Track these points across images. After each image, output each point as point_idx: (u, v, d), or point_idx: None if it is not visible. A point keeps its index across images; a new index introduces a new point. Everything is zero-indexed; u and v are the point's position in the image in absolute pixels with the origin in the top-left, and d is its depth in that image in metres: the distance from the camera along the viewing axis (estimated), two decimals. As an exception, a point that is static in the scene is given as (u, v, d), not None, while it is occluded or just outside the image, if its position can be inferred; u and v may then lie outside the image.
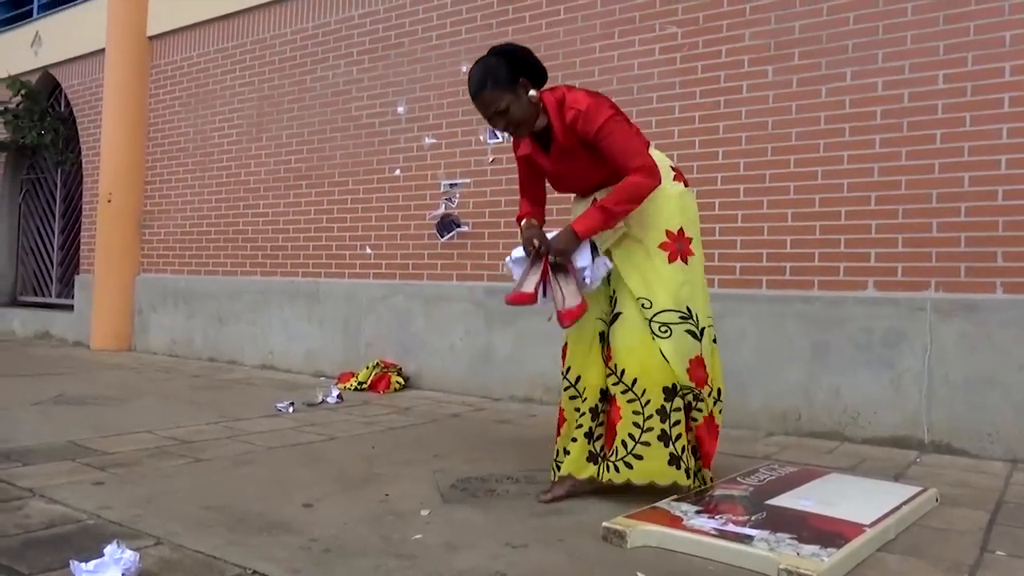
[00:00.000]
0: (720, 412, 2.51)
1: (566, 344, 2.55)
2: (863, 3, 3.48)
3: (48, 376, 5.00)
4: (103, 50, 6.92)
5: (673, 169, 2.51)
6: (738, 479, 2.48)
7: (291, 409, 3.93)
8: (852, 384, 3.42)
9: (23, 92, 7.69)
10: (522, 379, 4.37)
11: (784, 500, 2.24)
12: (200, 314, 6.20)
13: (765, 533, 1.94)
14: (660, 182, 2.36)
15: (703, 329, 2.42)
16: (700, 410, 2.43)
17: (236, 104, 6.09)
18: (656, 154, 2.46)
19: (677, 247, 2.41)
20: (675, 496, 2.27)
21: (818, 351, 3.51)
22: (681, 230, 2.43)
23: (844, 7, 3.52)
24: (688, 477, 2.34)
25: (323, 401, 4.20)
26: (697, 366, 2.40)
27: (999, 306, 3.14)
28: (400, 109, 5.05)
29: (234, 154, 6.09)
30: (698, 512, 2.10)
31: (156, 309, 6.56)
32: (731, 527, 1.98)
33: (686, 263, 2.41)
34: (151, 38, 6.80)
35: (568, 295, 2.37)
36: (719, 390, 2.50)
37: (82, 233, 7.35)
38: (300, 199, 5.60)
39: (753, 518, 2.06)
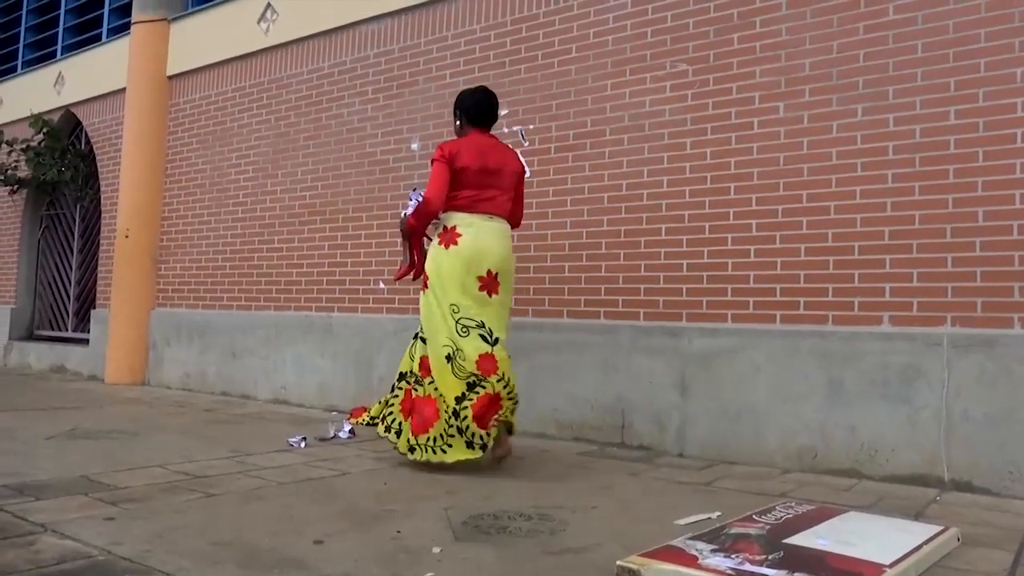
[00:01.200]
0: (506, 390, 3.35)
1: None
2: (873, 41, 3.51)
3: (62, 410, 5.02)
4: (124, 89, 7.07)
5: (447, 231, 3.37)
6: (754, 517, 2.45)
7: (303, 444, 3.92)
8: (869, 420, 3.37)
9: (45, 130, 7.85)
10: (534, 415, 4.35)
11: (801, 539, 2.20)
12: (214, 348, 6.23)
13: (782, 573, 1.90)
14: (429, 209, 3.35)
15: (423, 338, 3.42)
16: (421, 384, 3.40)
17: (253, 141, 6.19)
18: (457, 217, 3.37)
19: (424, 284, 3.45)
20: (690, 535, 2.24)
21: (834, 387, 3.47)
22: (426, 273, 3.43)
23: (854, 44, 3.55)
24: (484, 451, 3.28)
25: (335, 436, 4.19)
26: (424, 361, 3.41)
27: (1017, 341, 3.11)
28: (414, 146, 5.11)
29: (250, 190, 6.17)
30: (714, 551, 2.07)
31: (170, 343, 6.59)
32: (747, 566, 1.95)
33: (423, 293, 3.44)
34: (170, 77, 6.94)
35: (405, 259, 3.60)
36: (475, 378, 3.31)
37: (99, 268, 7.44)
38: (314, 234, 5.65)
39: (770, 558, 2.02)
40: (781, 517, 2.45)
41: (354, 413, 4.77)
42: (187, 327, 6.48)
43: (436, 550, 2.19)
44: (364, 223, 5.34)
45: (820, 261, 3.57)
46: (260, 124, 6.14)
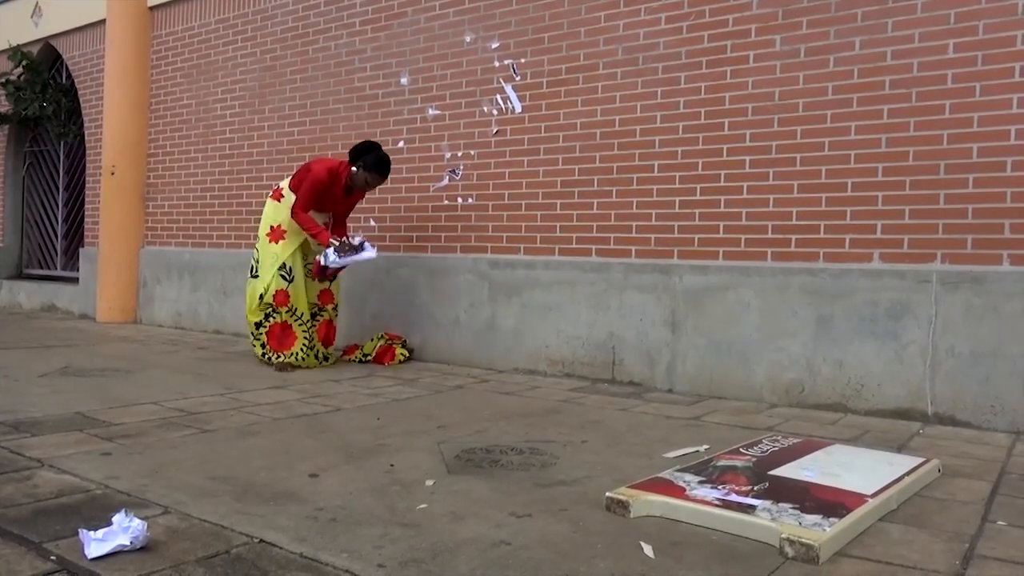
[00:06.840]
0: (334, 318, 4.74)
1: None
2: (873, -30, 3.42)
3: (54, 348, 5.03)
4: (104, 21, 6.85)
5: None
6: (741, 450, 2.49)
7: (296, 381, 3.94)
8: (856, 356, 3.42)
9: (24, 64, 7.64)
10: (526, 351, 4.38)
11: (787, 471, 2.25)
12: (204, 287, 6.22)
13: (767, 503, 1.95)
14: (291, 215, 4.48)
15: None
16: (321, 316, 4.65)
17: (238, 75, 6.05)
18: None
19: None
20: (678, 467, 2.28)
21: (823, 323, 3.50)
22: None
23: (854, -26, 3.46)
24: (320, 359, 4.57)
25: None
26: (281, 295, 4.45)
27: (1005, 278, 3.13)
28: (403, 80, 5.01)
29: (236, 126, 6.06)
30: (701, 482, 2.12)
31: (161, 282, 6.57)
32: (734, 497, 1.99)
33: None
34: (152, 8, 6.73)
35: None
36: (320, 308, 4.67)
37: (86, 206, 7.35)
38: (303, 171, 5.57)
39: (756, 488, 2.07)
40: (767, 450, 2.50)
41: (347, 351, 4.84)
42: (177, 265, 6.44)
43: (429, 483, 2.23)
44: (354, 160, 5.25)
45: (813, 198, 3.56)
46: (246, 58, 5.99)
